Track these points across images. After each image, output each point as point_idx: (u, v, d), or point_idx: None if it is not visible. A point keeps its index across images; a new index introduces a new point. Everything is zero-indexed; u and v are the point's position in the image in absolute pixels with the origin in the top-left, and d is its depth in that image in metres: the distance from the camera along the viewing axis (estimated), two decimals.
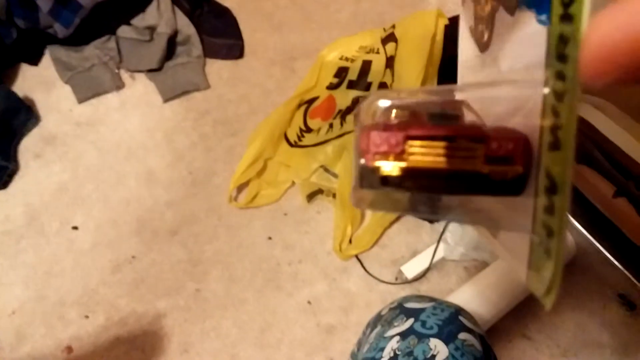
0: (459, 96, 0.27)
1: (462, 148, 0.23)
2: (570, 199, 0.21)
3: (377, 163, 0.24)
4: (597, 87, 0.18)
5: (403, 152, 0.24)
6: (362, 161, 0.25)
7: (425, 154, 0.24)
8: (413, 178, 0.24)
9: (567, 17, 0.18)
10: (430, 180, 0.24)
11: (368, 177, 0.25)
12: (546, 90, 0.20)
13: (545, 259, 0.22)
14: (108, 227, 1.25)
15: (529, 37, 0.23)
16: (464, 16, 0.33)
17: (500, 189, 0.24)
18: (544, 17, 0.20)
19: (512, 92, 0.25)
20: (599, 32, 0.16)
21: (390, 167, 0.24)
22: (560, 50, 0.19)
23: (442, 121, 0.25)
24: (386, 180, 0.24)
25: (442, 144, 0.23)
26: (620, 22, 0.16)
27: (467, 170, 0.23)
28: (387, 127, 0.25)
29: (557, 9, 0.19)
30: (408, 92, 0.27)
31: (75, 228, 1.25)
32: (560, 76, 0.19)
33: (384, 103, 0.27)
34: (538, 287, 0.23)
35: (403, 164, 0.24)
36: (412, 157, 0.24)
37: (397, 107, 0.26)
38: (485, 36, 0.30)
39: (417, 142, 0.24)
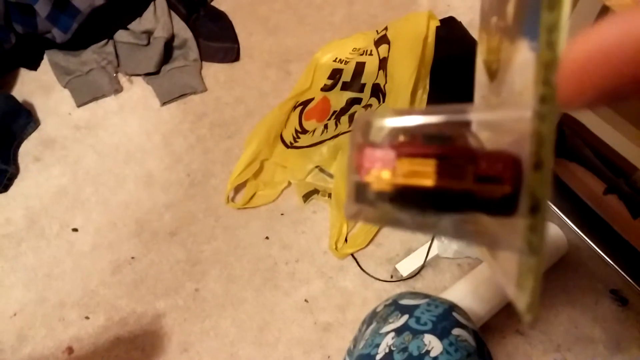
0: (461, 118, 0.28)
1: (453, 166, 0.24)
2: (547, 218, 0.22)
3: (370, 179, 0.25)
4: (575, 108, 0.19)
5: (395, 168, 0.24)
6: (355, 177, 0.25)
7: (416, 171, 0.24)
8: (404, 195, 0.24)
9: (550, 44, 0.19)
10: (421, 197, 0.24)
11: (361, 193, 0.25)
12: (531, 113, 0.21)
13: (527, 276, 0.22)
14: (107, 229, 1.26)
15: (522, 64, 0.23)
16: (479, 49, 0.34)
17: (489, 208, 0.24)
18: (535, 44, 0.22)
19: (507, 115, 0.25)
20: (575, 55, 0.18)
21: (382, 184, 0.25)
22: (545, 75, 0.20)
23: (437, 141, 0.25)
24: (378, 197, 0.25)
25: (433, 162, 0.24)
26: (594, 45, 0.17)
27: (457, 188, 0.24)
28: (380, 143, 0.25)
29: (543, 36, 0.19)
30: (406, 111, 0.28)
31: (75, 230, 1.26)
32: (543, 99, 0.20)
33: (381, 122, 0.27)
34: (521, 304, 0.24)
35: (395, 181, 0.24)
36: (403, 174, 0.24)
37: (395, 128, 0.27)
38: (494, 66, 0.31)
39: (410, 160, 0.24)
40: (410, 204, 0.25)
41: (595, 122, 0.94)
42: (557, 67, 0.19)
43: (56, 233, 1.26)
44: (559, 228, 1.15)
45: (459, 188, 0.24)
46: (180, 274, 1.20)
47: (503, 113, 0.26)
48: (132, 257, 1.22)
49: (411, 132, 0.26)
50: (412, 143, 0.25)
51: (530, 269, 0.22)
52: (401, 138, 0.26)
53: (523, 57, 0.23)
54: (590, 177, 1.15)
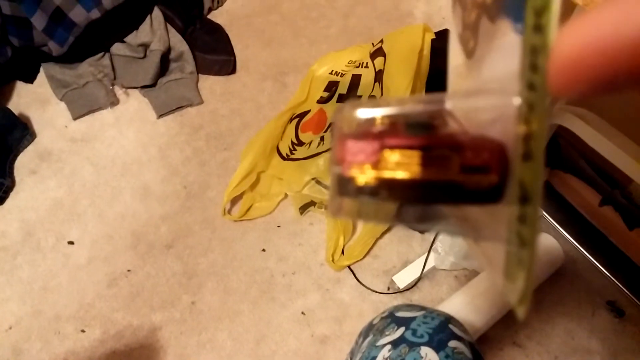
0: (443, 105, 0.27)
1: (438, 157, 0.23)
2: (540, 209, 0.21)
3: (353, 172, 0.24)
4: (566, 98, 0.19)
5: (379, 161, 0.24)
6: (338, 170, 0.25)
7: (400, 163, 0.24)
8: (388, 188, 0.24)
9: (538, 28, 0.19)
10: (406, 190, 0.24)
11: (344, 186, 0.25)
12: (519, 101, 0.20)
13: (518, 268, 0.22)
14: (104, 242, 1.26)
15: (506, 46, 0.23)
16: (453, 22, 0.33)
17: (476, 198, 0.24)
18: (519, 26, 0.21)
19: (492, 101, 0.24)
20: (566, 44, 0.17)
21: (366, 177, 0.24)
22: (532, 60, 0.19)
23: (420, 130, 0.24)
24: (362, 190, 0.24)
25: (417, 153, 0.23)
26: (589, 33, 0.16)
27: (442, 179, 0.23)
28: (363, 135, 0.25)
29: (530, 19, 0.19)
30: (387, 101, 0.27)
31: (71, 243, 1.26)
32: (531, 87, 0.19)
33: (362, 112, 0.26)
34: (512, 297, 0.23)
35: (378, 174, 0.24)
36: (387, 167, 0.24)
37: (376, 116, 0.26)
38: (471, 43, 0.30)
39: (393, 152, 0.24)
40: (395, 197, 0.24)
41: (591, 134, 0.95)
42: (546, 52, 0.18)
43: (52, 246, 1.26)
44: (555, 239, 1.15)
45: (445, 179, 0.24)
46: (177, 286, 1.20)
47: (486, 100, 0.26)
48: (128, 270, 1.22)
49: (392, 120, 0.26)
50: (394, 134, 0.25)
51: (521, 261, 0.22)
52: (382, 127, 0.26)
53: (506, 39, 0.23)
54: (586, 188, 1.16)
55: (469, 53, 0.30)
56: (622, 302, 1.13)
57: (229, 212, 1.29)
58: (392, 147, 0.24)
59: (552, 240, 1.15)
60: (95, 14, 1.40)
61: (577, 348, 1.10)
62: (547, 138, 0.20)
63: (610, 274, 1.16)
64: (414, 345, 0.67)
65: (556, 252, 1.14)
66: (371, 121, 0.26)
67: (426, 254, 1.17)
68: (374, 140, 0.24)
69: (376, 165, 0.24)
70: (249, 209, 1.28)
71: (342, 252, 1.20)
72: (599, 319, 1.13)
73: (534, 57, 0.19)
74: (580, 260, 1.18)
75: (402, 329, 0.70)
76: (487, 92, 0.26)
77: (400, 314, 0.75)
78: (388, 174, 0.24)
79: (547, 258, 1.13)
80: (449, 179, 0.24)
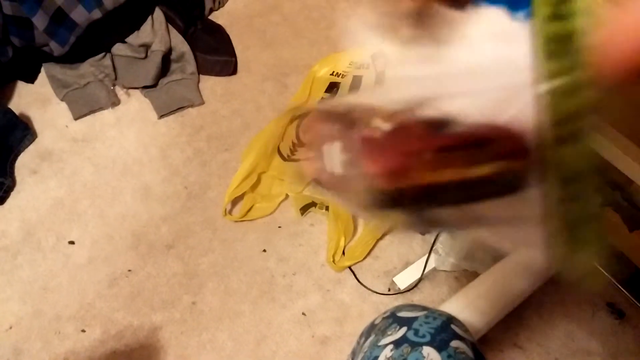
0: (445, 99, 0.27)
1: (466, 155, 0.24)
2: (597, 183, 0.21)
3: (386, 184, 0.24)
4: (612, 85, 0.18)
5: (412, 169, 0.23)
6: (371, 183, 0.24)
7: (434, 168, 0.24)
8: (426, 195, 0.24)
9: (559, 16, 0.19)
10: (443, 193, 0.24)
11: (380, 200, 0.24)
12: (543, 88, 0.20)
13: (580, 245, 0.22)
14: (104, 242, 1.26)
15: (496, 33, 0.23)
16: (365, 15, 0.33)
17: (504, 189, 0.24)
18: (520, 14, 0.21)
19: (507, 90, 0.24)
20: (617, 37, 0.17)
21: (401, 188, 0.24)
22: (553, 48, 0.19)
23: (438, 128, 0.24)
24: (399, 202, 0.24)
25: (446, 155, 0.23)
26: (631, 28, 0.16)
27: (473, 178, 0.24)
28: (388, 145, 0.24)
29: (544, 8, 0.19)
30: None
31: (71, 243, 1.26)
32: (556, 74, 0.19)
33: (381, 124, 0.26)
34: (574, 273, 0.23)
35: (413, 183, 0.24)
36: (422, 174, 0.24)
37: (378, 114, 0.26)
38: (410, 31, 0.29)
39: (425, 158, 0.24)
40: (434, 202, 0.24)
41: None
42: (583, 37, 0.18)
43: (52, 246, 1.26)
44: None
45: (475, 177, 0.23)
46: (177, 286, 1.20)
47: (500, 88, 0.25)
48: (129, 270, 1.22)
49: (401, 121, 0.25)
50: (418, 138, 0.24)
51: (579, 238, 0.22)
52: (396, 125, 0.25)
53: (497, 27, 0.22)
54: None
55: (408, 40, 0.29)
56: (622, 303, 1.14)
57: (230, 212, 1.29)
58: (421, 153, 0.24)
59: None
60: (96, 14, 1.40)
61: (577, 349, 1.10)
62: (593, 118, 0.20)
63: (610, 276, 1.16)
64: (416, 345, 0.67)
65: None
66: (387, 130, 0.26)
67: (427, 255, 1.17)
68: (398, 145, 0.24)
69: (404, 173, 0.24)
70: (249, 210, 1.28)
71: (343, 252, 1.21)
72: (599, 320, 1.13)
73: (555, 45, 0.19)
74: None
75: (404, 328, 0.70)
76: (498, 81, 0.26)
77: (402, 313, 0.75)
78: (423, 181, 0.24)
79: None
80: (479, 175, 0.24)
